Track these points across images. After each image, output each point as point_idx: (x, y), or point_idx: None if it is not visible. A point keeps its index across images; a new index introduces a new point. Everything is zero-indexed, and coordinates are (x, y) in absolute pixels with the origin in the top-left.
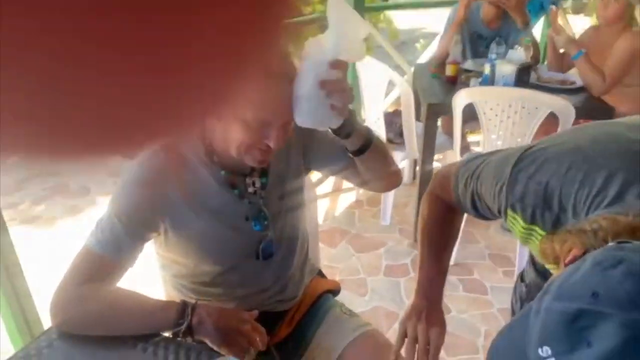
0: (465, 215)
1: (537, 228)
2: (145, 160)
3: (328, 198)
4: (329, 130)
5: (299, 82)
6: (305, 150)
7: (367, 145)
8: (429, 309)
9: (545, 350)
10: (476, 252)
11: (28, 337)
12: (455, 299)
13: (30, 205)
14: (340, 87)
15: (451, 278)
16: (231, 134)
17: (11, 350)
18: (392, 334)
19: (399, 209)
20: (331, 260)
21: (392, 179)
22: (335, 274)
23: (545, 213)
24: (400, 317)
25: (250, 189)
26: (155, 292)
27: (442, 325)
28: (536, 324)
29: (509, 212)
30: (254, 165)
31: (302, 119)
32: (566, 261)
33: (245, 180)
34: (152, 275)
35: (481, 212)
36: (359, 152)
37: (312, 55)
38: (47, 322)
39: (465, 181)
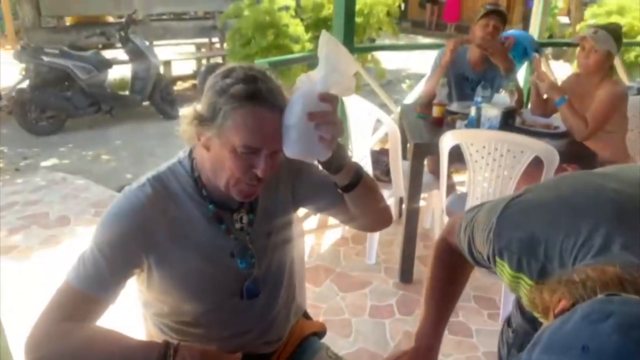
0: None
1: (523, 276)
2: (130, 193)
3: (313, 234)
4: (319, 166)
5: (288, 112)
6: (294, 186)
7: (356, 181)
8: (417, 354)
9: None
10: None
11: None
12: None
13: (7, 234)
14: (329, 119)
15: None
16: (220, 164)
17: None
18: None
19: (384, 247)
20: (315, 299)
21: (382, 217)
22: (319, 314)
23: (532, 261)
24: None
25: (238, 225)
26: (136, 331)
27: None
28: None
29: (497, 259)
30: (241, 200)
31: (290, 149)
32: (555, 312)
33: (232, 216)
34: (132, 314)
35: (478, 261)
36: (349, 188)
37: (303, 88)
38: (18, 357)
39: (464, 229)
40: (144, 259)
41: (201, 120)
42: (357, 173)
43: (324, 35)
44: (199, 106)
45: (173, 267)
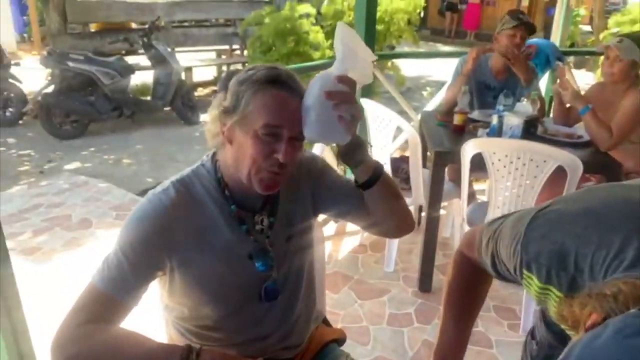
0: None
1: (552, 288)
2: (154, 196)
3: (331, 241)
4: (338, 170)
5: (307, 94)
6: (314, 191)
7: (376, 178)
8: None
9: None
10: None
11: None
12: None
13: (32, 235)
14: (347, 98)
15: None
16: (242, 154)
17: None
18: None
19: (403, 256)
20: (333, 306)
21: (404, 221)
22: (337, 320)
23: (561, 273)
24: None
25: (258, 227)
26: (157, 335)
27: None
28: None
29: (525, 271)
30: (261, 191)
31: (310, 129)
32: (586, 326)
33: (254, 218)
34: (154, 317)
35: (502, 274)
36: (368, 184)
37: (321, 73)
38: (41, 356)
39: (487, 242)
40: (167, 261)
41: (225, 112)
42: (377, 169)
43: (340, 24)
44: (223, 101)
45: (194, 269)
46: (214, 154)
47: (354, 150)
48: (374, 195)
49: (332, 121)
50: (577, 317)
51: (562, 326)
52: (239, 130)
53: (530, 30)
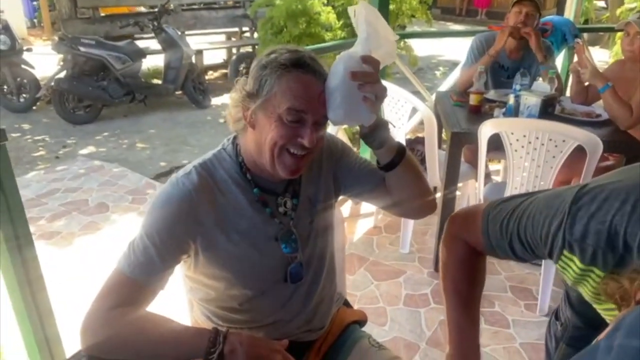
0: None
1: (595, 269)
2: (177, 181)
3: (346, 223)
4: (359, 155)
5: (330, 76)
6: (335, 173)
7: (399, 159)
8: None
9: None
10: (497, 284)
11: (47, 353)
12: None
13: (50, 220)
14: (371, 78)
15: None
16: (265, 137)
17: None
18: None
19: (418, 237)
20: (350, 287)
21: (425, 201)
22: (354, 302)
23: (608, 253)
24: (422, 348)
25: (281, 209)
26: (182, 318)
27: None
28: None
29: (565, 252)
30: (284, 176)
31: (335, 112)
32: (637, 299)
33: (277, 200)
34: (179, 300)
35: (520, 255)
36: (391, 165)
37: (343, 53)
38: (65, 339)
39: (501, 223)
40: (192, 244)
41: (247, 96)
42: (400, 150)
43: (363, 3)
44: (246, 85)
45: (219, 252)
46: (235, 138)
47: (377, 131)
48: (396, 176)
49: (357, 102)
50: (626, 292)
51: (605, 303)
52: (262, 115)
53: (535, 4)
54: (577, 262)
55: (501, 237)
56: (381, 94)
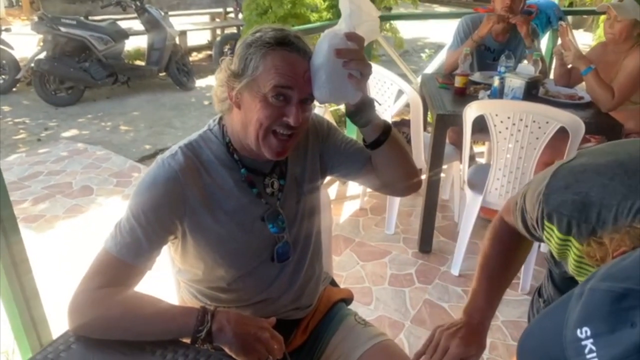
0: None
1: (573, 240)
2: (164, 161)
3: (332, 205)
4: (345, 134)
5: (315, 54)
6: (322, 153)
7: (385, 137)
8: (467, 327)
9: (585, 331)
10: None
11: (33, 335)
12: (460, 310)
13: (33, 203)
14: (356, 55)
15: (456, 289)
16: (251, 117)
17: (15, 349)
18: (397, 343)
19: (403, 218)
20: (336, 268)
21: (411, 179)
22: (340, 282)
23: (582, 224)
24: (406, 327)
25: (269, 190)
26: (169, 298)
27: (471, 344)
28: (577, 306)
29: (546, 222)
30: (270, 157)
31: (321, 90)
32: (614, 255)
33: (264, 180)
34: (165, 281)
35: (531, 231)
36: (377, 143)
37: (328, 31)
38: (52, 321)
39: (517, 202)
40: (179, 225)
41: (232, 75)
42: (386, 128)
43: None
44: (231, 65)
45: (206, 232)
46: (221, 118)
47: (363, 109)
48: (382, 154)
49: (342, 80)
50: (605, 251)
51: (581, 280)
52: (248, 94)
53: None
54: (556, 232)
55: (518, 217)
56: (366, 71)
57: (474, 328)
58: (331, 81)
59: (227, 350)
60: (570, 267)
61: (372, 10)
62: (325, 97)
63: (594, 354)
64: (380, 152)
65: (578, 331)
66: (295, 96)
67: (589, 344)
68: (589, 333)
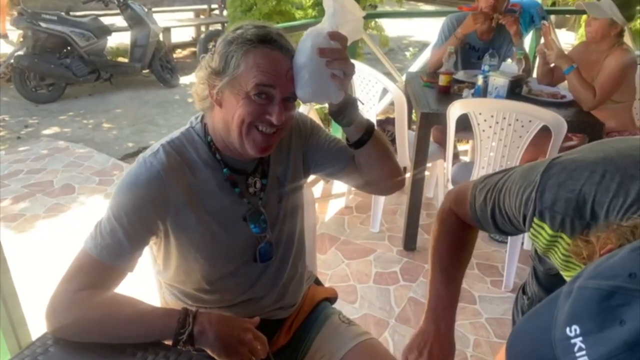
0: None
1: (564, 235)
2: (145, 160)
3: (317, 203)
4: (329, 133)
5: (298, 53)
6: (304, 152)
7: (368, 136)
8: (436, 339)
9: (574, 330)
10: None
11: (12, 337)
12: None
13: (12, 202)
14: (339, 55)
15: None
16: (233, 114)
17: None
18: (382, 342)
19: (388, 216)
20: (321, 266)
21: (394, 177)
22: (324, 280)
23: (575, 221)
24: (391, 325)
25: (251, 189)
26: (151, 299)
27: (448, 356)
28: (566, 304)
29: (536, 220)
30: (254, 154)
31: (303, 90)
32: (601, 253)
33: (247, 180)
34: (147, 281)
35: (500, 227)
36: (361, 143)
37: (311, 30)
38: (31, 322)
39: (485, 196)
40: (161, 225)
41: (213, 73)
42: (370, 127)
43: None
44: (211, 62)
45: (189, 232)
46: (203, 117)
47: (346, 108)
48: (365, 154)
49: (325, 79)
50: (592, 249)
51: (567, 274)
52: (229, 93)
53: None
54: (547, 229)
55: (485, 209)
56: (349, 71)
57: (444, 336)
58: (314, 80)
59: (209, 352)
60: (557, 262)
61: (355, 10)
62: (308, 96)
63: (584, 352)
64: (363, 151)
65: (567, 329)
66: (277, 95)
67: (578, 342)
68: (578, 331)
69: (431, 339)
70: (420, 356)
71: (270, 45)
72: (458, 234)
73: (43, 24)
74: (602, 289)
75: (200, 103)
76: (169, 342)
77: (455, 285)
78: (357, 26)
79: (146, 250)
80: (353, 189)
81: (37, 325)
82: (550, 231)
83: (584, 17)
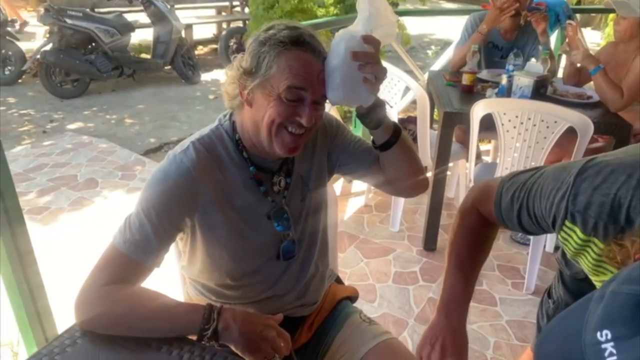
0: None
1: (595, 240)
2: (175, 157)
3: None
4: (354, 133)
5: (331, 55)
6: (329, 152)
7: (395, 139)
8: (448, 332)
9: (605, 334)
10: (485, 262)
11: (38, 327)
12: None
13: (37, 195)
14: (372, 59)
15: None
16: (263, 115)
17: (20, 340)
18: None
19: (408, 216)
20: (340, 265)
21: (419, 180)
22: (344, 279)
23: (609, 226)
24: (410, 325)
25: (276, 188)
26: (174, 294)
27: (460, 352)
28: (598, 308)
29: (567, 223)
30: (283, 154)
31: (335, 92)
32: (636, 257)
33: (272, 179)
34: (171, 276)
35: (526, 227)
36: (387, 146)
37: (344, 32)
38: (56, 313)
39: (512, 194)
40: (188, 222)
41: (245, 73)
42: (397, 130)
43: None
44: (243, 62)
45: (215, 229)
46: (231, 114)
47: (374, 111)
48: (391, 156)
49: (357, 83)
50: (627, 253)
51: (597, 279)
52: (260, 93)
53: None
54: (579, 233)
55: (511, 208)
56: (381, 75)
57: (456, 331)
58: (346, 83)
59: (233, 348)
60: (587, 266)
61: (389, 13)
62: (339, 99)
63: (614, 357)
64: (389, 153)
65: (598, 334)
66: (308, 97)
67: (609, 347)
68: (609, 336)
69: (443, 332)
70: (433, 350)
71: (303, 48)
72: (478, 231)
73: (69, 21)
74: (636, 295)
75: (230, 102)
76: (193, 337)
77: (470, 282)
78: (390, 30)
79: (172, 246)
80: (372, 187)
81: (61, 317)
82: (581, 235)
83: (611, 15)
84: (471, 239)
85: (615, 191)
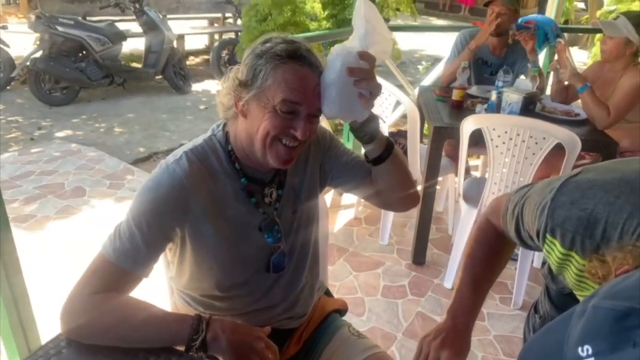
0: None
1: (575, 255)
2: (167, 166)
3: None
4: (346, 146)
5: (327, 70)
6: (322, 164)
7: (387, 153)
8: (453, 333)
9: (586, 349)
10: None
11: (21, 337)
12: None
13: (24, 203)
14: (368, 75)
15: (449, 302)
16: (257, 125)
17: (2, 350)
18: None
19: (397, 229)
20: (329, 277)
21: (409, 194)
22: (332, 291)
23: (586, 240)
24: (398, 339)
25: (267, 200)
26: (162, 304)
27: (460, 352)
28: (579, 323)
29: (548, 236)
30: (276, 166)
31: (330, 107)
32: (617, 273)
33: (263, 190)
34: (158, 286)
35: (524, 240)
36: (380, 160)
37: (340, 48)
38: (40, 323)
39: (512, 209)
40: (179, 232)
41: (240, 85)
42: (389, 145)
43: None
44: (238, 74)
45: (205, 239)
46: (224, 125)
47: (368, 125)
48: (383, 170)
49: (352, 98)
50: (608, 269)
51: (580, 294)
52: (255, 105)
53: (509, 3)
54: (559, 246)
55: (511, 222)
56: (376, 91)
57: (459, 332)
58: (341, 98)
59: (221, 359)
60: (570, 282)
61: (385, 31)
62: (334, 113)
63: None
64: (381, 167)
65: (579, 349)
66: (303, 110)
67: None
68: (590, 351)
69: (447, 332)
70: (434, 340)
71: (299, 62)
72: (493, 245)
73: (60, 28)
74: (617, 310)
75: (224, 113)
76: (181, 348)
77: (481, 295)
78: (385, 47)
79: (160, 256)
80: (363, 200)
81: (45, 326)
82: (561, 249)
83: (598, 35)
84: (487, 252)
85: (592, 206)
